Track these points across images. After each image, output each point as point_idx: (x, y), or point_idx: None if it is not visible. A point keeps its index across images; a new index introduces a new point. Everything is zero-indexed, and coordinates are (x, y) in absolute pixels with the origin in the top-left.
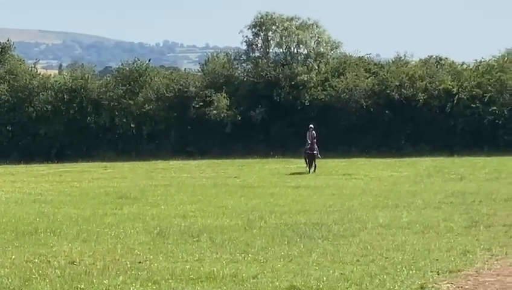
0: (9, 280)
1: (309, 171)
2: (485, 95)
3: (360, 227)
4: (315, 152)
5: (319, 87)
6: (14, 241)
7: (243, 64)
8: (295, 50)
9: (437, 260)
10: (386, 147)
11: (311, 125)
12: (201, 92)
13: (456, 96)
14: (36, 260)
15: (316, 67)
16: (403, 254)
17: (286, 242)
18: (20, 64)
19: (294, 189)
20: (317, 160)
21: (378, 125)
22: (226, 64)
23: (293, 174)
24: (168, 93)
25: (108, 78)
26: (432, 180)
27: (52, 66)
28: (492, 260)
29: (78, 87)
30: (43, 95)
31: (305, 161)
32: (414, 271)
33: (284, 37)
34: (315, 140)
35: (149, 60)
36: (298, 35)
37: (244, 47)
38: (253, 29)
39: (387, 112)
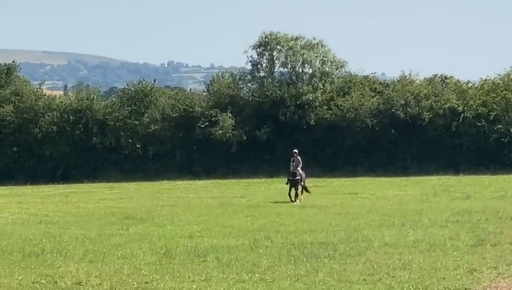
0: None
1: (291, 200)
2: (490, 113)
3: (367, 246)
4: (297, 178)
5: (324, 107)
6: (21, 263)
7: (248, 84)
8: (300, 69)
9: (444, 278)
10: (392, 166)
11: (296, 151)
12: (206, 112)
13: (462, 115)
14: (43, 281)
15: (321, 87)
16: (410, 273)
17: (292, 262)
18: (26, 85)
19: (300, 208)
20: (308, 187)
21: (383, 144)
22: (231, 84)
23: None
24: (173, 113)
25: (113, 99)
26: (438, 199)
27: (57, 87)
28: (499, 279)
29: (83, 108)
30: (48, 116)
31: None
32: None
33: (289, 57)
34: (300, 165)
35: (154, 81)
36: (303, 54)
37: (249, 67)
38: (258, 49)
39: (392, 131)
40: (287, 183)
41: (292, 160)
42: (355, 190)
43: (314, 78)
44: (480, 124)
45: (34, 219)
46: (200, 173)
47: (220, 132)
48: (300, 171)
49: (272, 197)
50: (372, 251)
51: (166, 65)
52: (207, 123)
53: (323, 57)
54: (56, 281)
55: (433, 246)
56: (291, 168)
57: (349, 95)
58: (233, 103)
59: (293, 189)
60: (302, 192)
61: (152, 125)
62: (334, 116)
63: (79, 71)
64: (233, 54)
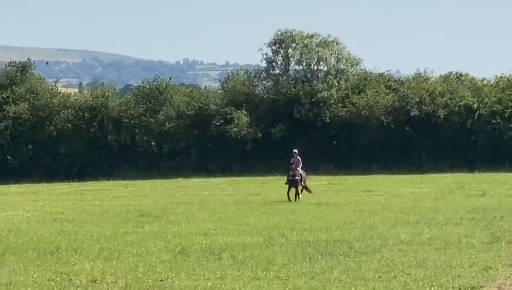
0: None
1: (289, 199)
2: (505, 110)
3: (382, 244)
4: (297, 178)
5: (339, 104)
6: (36, 260)
7: (263, 82)
8: (315, 67)
9: (459, 276)
10: (407, 164)
11: (295, 151)
12: (221, 110)
13: (477, 112)
14: (58, 279)
15: (336, 84)
16: (425, 271)
17: (308, 259)
18: (41, 83)
19: (315, 206)
20: (310, 187)
21: (398, 141)
22: (246, 82)
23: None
24: (188, 111)
25: (128, 97)
26: (453, 197)
27: (72, 84)
28: None
29: (98, 106)
30: (63, 113)
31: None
32: (436, 287)
33: (304, 54)
34: (300, 165)
35: (169, 78)
36: (318, 52)
37: (264, 64)
38: (273, 47)
39: (407, 128)
40: (286, 183)
41: (292, 161)
42: (370, 187)
43: (329, 76)
44: (495, 122)
45: (49, 216)
46: (215, 171)
47: (235, 129)
48: (301, 171)
49: (288, 195)
50: (387, 248)
51: (181, 63)
52: (222, 121)
53: (338, 54)
54: (71, 279)
55: (448, 244)
56: (291, 171)
57: (364, 92)
58: (248, 101)
59: (292, 189)
60: (301, 191)
61: (167, 123)
62: (349, 113)
63: (94, 69)
64: (248, 51)
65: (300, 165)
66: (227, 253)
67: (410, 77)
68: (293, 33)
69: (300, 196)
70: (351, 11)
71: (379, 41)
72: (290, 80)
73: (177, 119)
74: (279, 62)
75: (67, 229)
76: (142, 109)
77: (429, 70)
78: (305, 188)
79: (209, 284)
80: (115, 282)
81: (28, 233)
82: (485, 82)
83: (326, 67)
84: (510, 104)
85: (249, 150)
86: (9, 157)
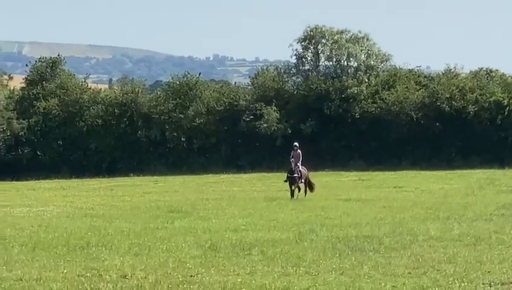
0: None
1: (291, 197)
2: None
3: (411, 239)
4: (295, 175)
5: (369, 100)
6: (66, 256)
7: (293, 78)
8: (345, 63)
9: (489, 272)
10: (437, 160)
11: (296, 144)
12: (251, 106)
13: (507, 108)
14: (88, 274)
15: (366, 80)
16: (455, 266)
17: (337, 255)
18: (71, 78)
19: (345, 202)
20: (313, 184)
21: (428, 137)
22: (276, 78)
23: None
24: (218, 106)
25: (158, 92)
26: (483, 193)
27: (102, 80)
28: None
29: (128, 102)
30: (93, 109)
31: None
32: (466, 283)
33: (334, 50)
34: (300, 159)
35: (199, 74)
36: (348, 48)
37: (294, 60)
38: (303, 43)
39: (437, 124)
40: (285, 181)
41: (291, 154)
42: (400, 183)
43: (359, 72)
44: None
45: (79, 212)
46: (245, 167)
47: (265, 125)
48: (301, 168)
49: (316, 191)
50: (417, 244)
51: (211, 58)
52: (252, 116)
53: (368, 50)
54: (101, 275)
55: (478, 240)
56: (292, 164)
57: (394, 88)
58: (278, 96)
59: (293, 186)
60: (300, 189)
61: (197, 119)
62: (379, 109)
63: (124, 65)
64: (278, 47)
65: (301, 160)
66: (257, 249)
67: (440, 73)
68: (323, 29)
69: (298, 193)
70: (381, 7)
71: (409, 37)
72: (320, 76)
73: (207, 115)
74: (309, 58)
75: (97, 224)
76: (172, 105)
77: (459, 66)
78: (309, 185)
79: (238, 280)
80: (145, 278)
81: (58, 229)
82: None
83: (356, 63)
84: None
85: (278, 146)
86: (39, 153)
